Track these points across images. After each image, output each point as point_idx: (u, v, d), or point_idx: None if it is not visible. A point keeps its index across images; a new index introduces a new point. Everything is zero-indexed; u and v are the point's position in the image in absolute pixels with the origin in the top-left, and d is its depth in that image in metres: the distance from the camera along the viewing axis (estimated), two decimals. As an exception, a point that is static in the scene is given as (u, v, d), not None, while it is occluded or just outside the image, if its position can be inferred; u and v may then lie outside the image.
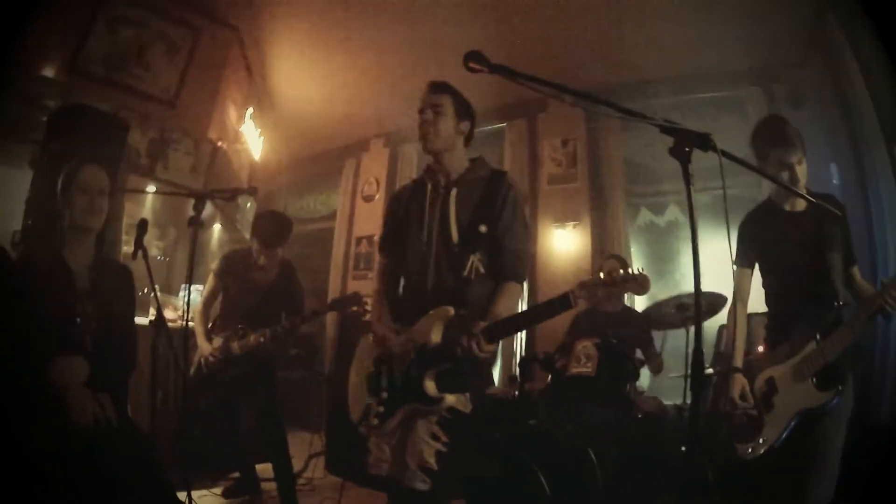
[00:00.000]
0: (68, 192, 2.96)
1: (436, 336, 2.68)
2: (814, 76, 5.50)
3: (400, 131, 8.64)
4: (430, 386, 2.64)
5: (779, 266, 3.17)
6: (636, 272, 2.30)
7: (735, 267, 3.22)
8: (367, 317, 5.76)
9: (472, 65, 2.04)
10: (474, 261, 2.78)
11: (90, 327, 2.91)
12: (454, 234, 2.82)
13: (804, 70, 5.72)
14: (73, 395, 2.63)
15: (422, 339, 2.72)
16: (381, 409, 2.78)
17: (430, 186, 2.97)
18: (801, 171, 2.99)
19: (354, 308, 4.42)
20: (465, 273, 2.77)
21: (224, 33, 6.93)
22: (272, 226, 4.54)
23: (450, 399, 2.62)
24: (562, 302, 2.43)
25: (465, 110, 2.92)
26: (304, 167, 9.84)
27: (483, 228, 2.79)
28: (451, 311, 2.69)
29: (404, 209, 3.07)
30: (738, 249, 3.23)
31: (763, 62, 6.07)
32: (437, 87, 2.89)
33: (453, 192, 2.90)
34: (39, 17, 4.15)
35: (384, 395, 2.79)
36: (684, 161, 1.78)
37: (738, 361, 3.13)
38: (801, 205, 3.12)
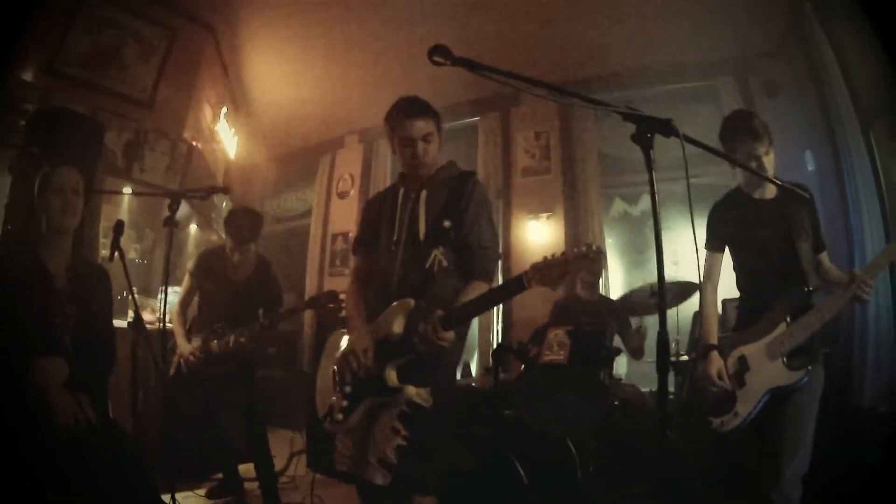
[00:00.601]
0: (44, 193, 2.96)
1: (398, 327, 2.71)
2: (789, 65, 5.56)
3: (374, 128, 8.58)
4: (392, 376, 2.67)
5: (749, 250, 3.22)
6: (587, 249, 2.31)
7: (705, 251, 3.28)
8: (342, 314, 5.85)
9: (436, 58, 2.05)
10: (437, 254, 2.80)
11: (69, 328, 2.90)
12: (421, 231, 2.86)
13: (779, 59, 5.78)
14: (54, 396, 2.62)
15: (384, 331, 2.74)
16: (345, 403, 2.79)
17: (402, 191, 3.02)
18: (769, 161, 3.05)
19: (331, 305, 4.42)
20: (428, 265, 2.80)
21: (200, 33, 6.95)
22: (243, 221, 4.52)
23: (410, 392, 2.63)
24: (515, 283, 2.45)
25: (440, 124, 2.95)
26: (279, 165, 9.83)
27: (447, 224, 2.82)
28: (412, 302, 2.73)
29: (377, 213, 3.10)
30: (708, 233, 3.29)
31: (738, 52, 6.15)
32: (419, 112, 2.87)
33: (423, 193, 2.93)
34: (19, 19, 4.13)
35: (347, 389, 2.81)
36: (646, 147, 1.83)
37: (713, 339, 3.20)
38: (769, 193, 3.19)
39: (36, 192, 2.98)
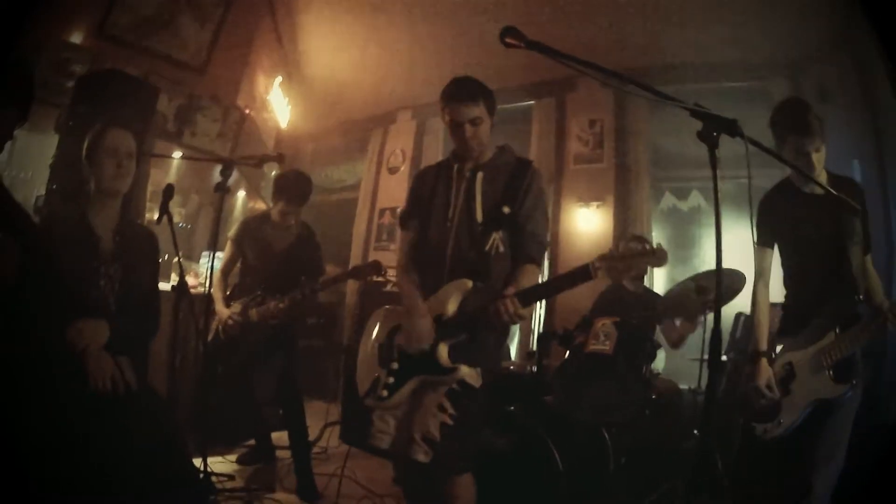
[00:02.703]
0: (95, 155, 2.95)
1: (452, 307, 2.72)
2: (841, 72, 5.40)
3: (428, 105, 8.54)
4: (444, 356, 2.68)
5: (796, 246, 3.16)
6: (654, 246, 2.35)
7: (755, 244, 3.20)
8: (389, 287, 5.82)
9: (508, 40, 2.03)
10: (496, 238, 2.80)
11: (113, 290, 2.92)
12: (479, 213, 2.84)
13: (832, 65, 5.60)
14: (92, 357, 2.63)
15: (438, 310, 2.75)
16: (391, 380, 2.80)
17: (455, 168, 2.98)
18: (819, 158, 2.97)
19: (375, 277, 4.38)
20: (487, 248, 2.79)
21: (256, 1, 6.92)
22: (296, 182, 4.47)
23: (463, 371, 2.67)
24: (582, 272, 2.48)
25: (493, 105, 2.91)
26: (330, 136, 9.84)
27: (507, 209, 2.81)
28: (470, 283, 2.73)
29: (430, 188, 3.06)
30: (757, 228, 3.22)
31: (792, 54, 5.99)
32: (469, 95, 2.83)
33: (479, 174, 2.91)
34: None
35: (394, 366, 2.82)
36: (712, 145, 1.79)
37: (763, 345, 3.12)
38: (819, 188, 3.06)
39: (85, 152, 2.98)
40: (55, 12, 4.92)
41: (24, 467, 2.34)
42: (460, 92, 2.82)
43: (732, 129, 1.77)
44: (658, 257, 2.34)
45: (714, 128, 1.79)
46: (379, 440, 2.83)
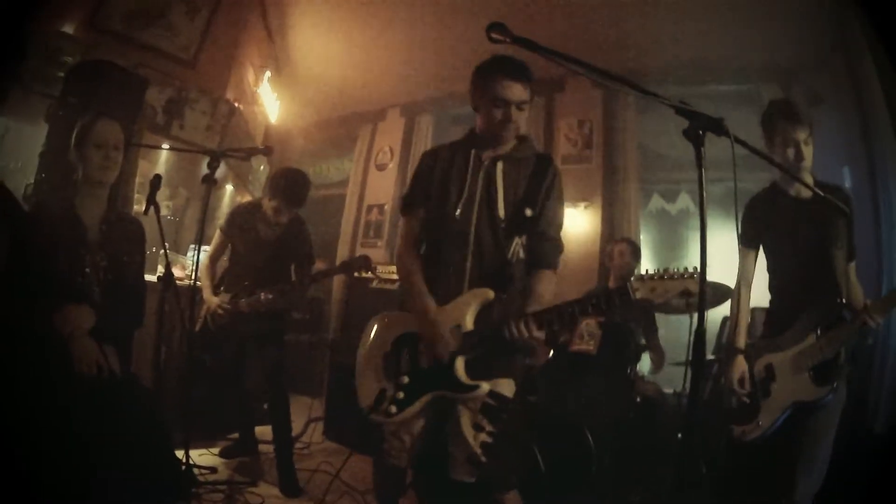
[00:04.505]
0: (83, 145, 2.97)
1: (470, 319, 2.55)
2: (832, 77, 5.44)
3: (417, 102, 8.62)
4: (461, 372, 2.52)
5: (781, 249, 3.18)
6: (694, 271, 2.16)
7: (739, 247, 3.23)
8: (376, 284, 5.81)
9: (494, 35, 2.00)
10: (518, 244, 2.67)
11: (99, 279, 2.94)
12: (500, 210, 2.66)
13: (823, 71, 5.65)
14: (77, 343, 2.65)
15: (455, 321, 2.56)
16: (401, 394, 2.63)
17: (473, 153, 2.78)
18: (808, 151, 3.00)
19: (364, 272, 4.35)
20: (510, 255, 2.66)
21: (246, -5, 6.93)
22: (297, 184, 4.38)
23: (485, 387, 2.50)
24: (620, 293, 2.33)
25: (533, 94, 2.72)
26: (319, 132, 9.82)
27: (529, 212, 2.65)
28: (491, 294, 2.56)
29: (443, 169, 2.82)
30: (742, 230, 3.25)
31: (784, 60, 6.02)
32: (522, 75, 2.61)
33: (499, 164, 2.72)
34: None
35: (405, 379, 2.65)
36: (697, 144, 1.78)
37: (741, 343, 3.16)
38: (807, 192, 3.11)
39: (73, 142, 3.00)
40: (48, 2, 4.90)
41: (10, 449, 2.36)
42: (516, 69, 2.61)
43: (718, 127, 1.78)
44: (695, 282, 2.15)
45: (700, 126, 1.79)
46: (397, 459, 2.70)
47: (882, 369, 4.25)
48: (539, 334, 2.43)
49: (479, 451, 2.53)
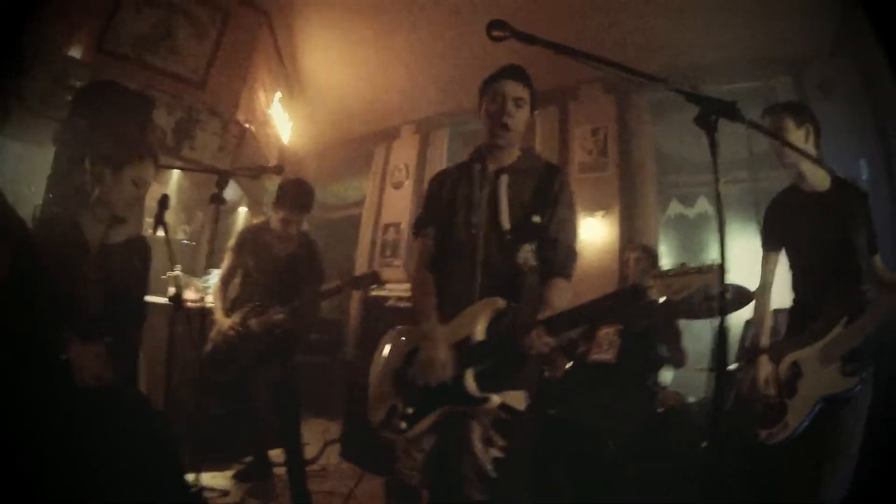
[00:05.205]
0: (118, 176, 3.02)
1: (481, 329, 2.48)
2: (843, 67, 5.39)
3: (431, 118, 8.65)
4: (471, 384, 2.44)
5: (804, 247, 3.12)
6: (711, 264, 2.09)
7: (761, 251, 3.23)
8: (393, 302, 5.75)
9: (494, 33, 1.99)
10: (527, 251, 2.60)
11: (97, 297, 2.94)
12: (505, 220, 2.63)
13: (834, 61, 5.60)
14: (78, 355, 2.66)
15: (465, 332, 2.51)
16: (410, 410, 2.58)
17: (477, 169, 2.79)
18: (809, 147, 3.02)
19: (374, 288, 4.29)
20: (520, 262, 2.59)
21: (253, 16, 6.97)
22: (298, 191, 4.40)
23: (496, 399, 2.40)
24: (633, 292, 2.26)
25: (534, 101, 2.77)
26: (333, 152, 9.88)
27: (537, 219, 2.62)
28: (501, 303, 2.51)
29: (449, 191, 2.84)
30: (763, 232, 3.24)
31: (794, 53, 5.94)
32: (522, 76, 2.70)
33: (504, 178, 2.71)
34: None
35: (415, 395, 2.59)
36: (711, 130, 1.73)
37: (765, 341, 3.13)
38: (822, 186, 3.08)
39: (96, 164, 3.04)
40: (54, 26, 4.93)
41: (18, 467, 2.34)
42: (513, 70, 2.70)
43: (731, 111, 1.73)
44: (715, 275, 2.05)
45: (712, 111, 1.73)
46: (409, 478, 2.64)
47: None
48: (549, 341, 2.35)
49: (489, 466, 2.43)
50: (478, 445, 2.46)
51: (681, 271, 2.14)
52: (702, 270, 2.10)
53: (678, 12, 5.86)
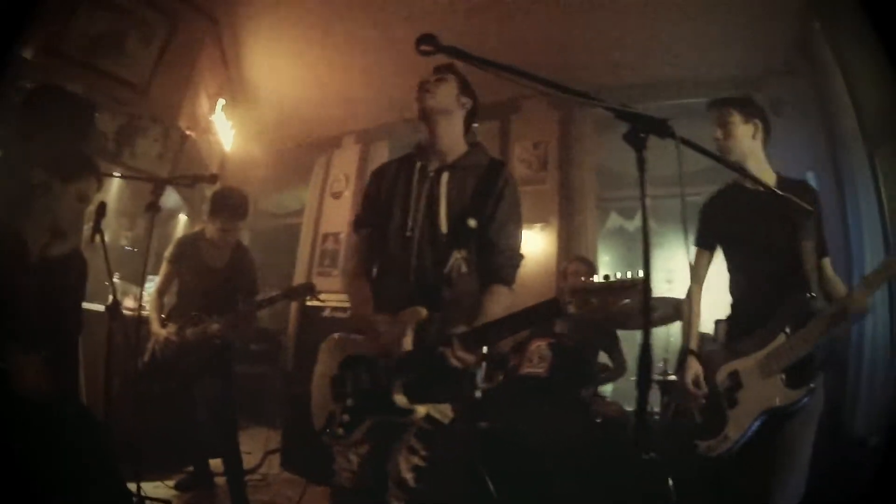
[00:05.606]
0: (64, 189, 2.95)
1: (407, 340, 2.43)
2: (797, 84, 5.48)
3: (372, 129, 8.66)
4: (400, 396, 2.43)
5: (745, 247, 3.04)
6: (635, 277, 1.97)
7: (694, 248, 3.16)
8: (329, 313, 5.74)
9: (423, 48, 1.97)
10: (458, 258, 2.51)
11: (33, 302, 2.87)
12: (442, 223, 2.57)
13: (787, 78, 5.70)
14: (16, 364, 2.60)
15: (392, 343, 2.47)
16: (346, 417, 2.56)
17: (418, 165, 2.72)
18: (745, 131, 3.02)
19: (309, 298, 4.30)
20: (447, 270, 2.50)
21: (202, 23, 6.90)
22: (234, 199, 4.40)
23: (421, 411, 2.41)
24: (549, 307, 2.18)
25: (468, 89, 2.71)
26: (275, 161, 9.78)
27: (472, 223, 2.53)
28: (424, 312, 2.45)
29: (388, 186, 2.77)
30: (698, 228, 3.16)
31: (748, 69, 6.06)
32: (443, 68, 2.66)
33: (445, 175, 2.65)
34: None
35: (349, 402, 2.58)
36: (639, 147, 1.69)
37: (693, 344, 3.03)
38: (770, 184, 2.99)
39: (44, 171, 2.95)
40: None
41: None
42: (435, 69, 2.66)
43: (662, 129, 1.69)
44: (638, 290, 1.95)
45: (642, 128, 1.69)
46: (344, 479, 2.62)
47: (858, 363, 4.16)
48: (464, 356, 2.29)
49: (408, 475, 2.45)
50: (401, 454, 2.48)
51: (603, 286, 2.05)
52: (625, 285, 2.01)
53: (629, 26, 5.93)
